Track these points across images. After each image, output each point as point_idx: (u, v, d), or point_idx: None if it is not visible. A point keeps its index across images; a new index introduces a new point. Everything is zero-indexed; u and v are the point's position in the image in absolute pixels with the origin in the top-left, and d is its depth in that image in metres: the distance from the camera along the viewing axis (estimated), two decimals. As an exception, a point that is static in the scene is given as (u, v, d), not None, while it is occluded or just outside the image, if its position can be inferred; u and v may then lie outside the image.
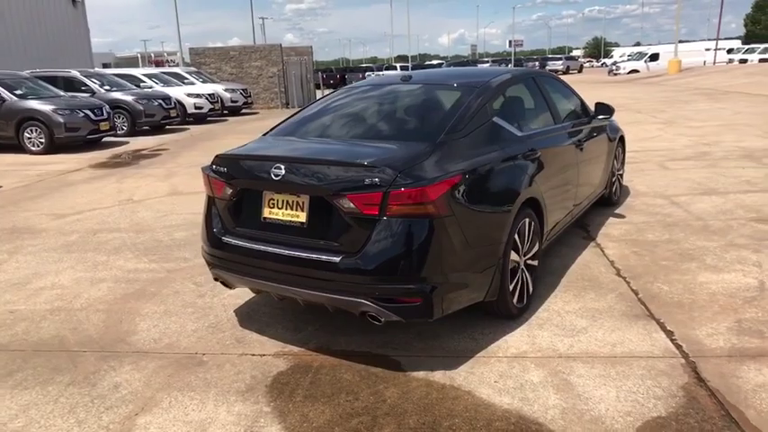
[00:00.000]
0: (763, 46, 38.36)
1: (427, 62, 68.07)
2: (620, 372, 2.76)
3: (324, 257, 2.74)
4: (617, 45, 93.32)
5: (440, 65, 50.36)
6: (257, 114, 21.08)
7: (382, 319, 2.74)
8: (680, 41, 33.04)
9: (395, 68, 47.94)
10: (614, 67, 38.95)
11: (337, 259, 2.70)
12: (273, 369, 2.96)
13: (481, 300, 3.01)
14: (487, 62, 58.92)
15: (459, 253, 2.78)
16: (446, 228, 2.69)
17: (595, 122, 4.80)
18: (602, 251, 4.43)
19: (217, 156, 3.23)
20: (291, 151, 3.20)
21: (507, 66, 47.04)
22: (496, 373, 2.81)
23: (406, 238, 2.64)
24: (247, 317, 3.59)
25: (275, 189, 2.91)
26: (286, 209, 2.89)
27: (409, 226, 2.64)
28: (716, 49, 36.51)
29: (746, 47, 41.99)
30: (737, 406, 2.46)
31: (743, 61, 35.51)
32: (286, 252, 2.83)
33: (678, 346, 2.96)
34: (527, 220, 3.32)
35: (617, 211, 5.46)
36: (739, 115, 11.87)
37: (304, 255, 2.79)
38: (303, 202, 2.83)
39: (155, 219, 6.17)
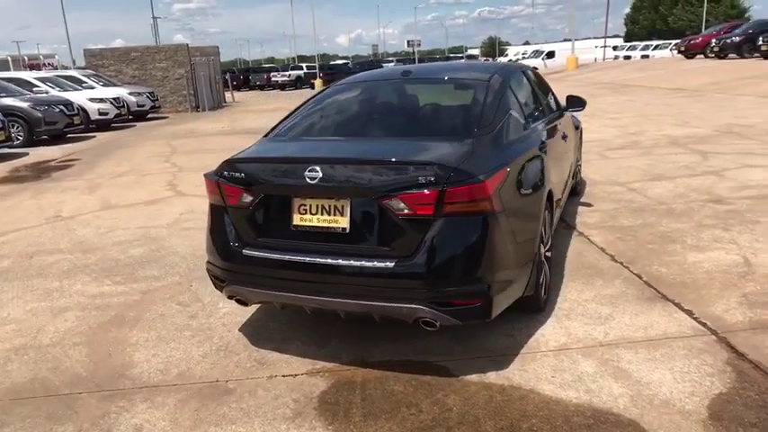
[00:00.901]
0: (643, 44, 42.20)
1: (332, 62, 67.65)
2: (664, 354, 2.81)
3: (374, 264, 2.54)
4: (508, 44, 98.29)
5: (345, 65, 50.28)
6: (167, 118, 19.85)
7: (438, 324, 2.60)
8: (566, 40, 35.43)
9: (300, 68, 47.38)
10: (513, 66, 40.77)
11: (390, 264, 2.52)
12: (314, 389, 2.71)
13: (521, 295, 2.96)
14: (391, 62, 59.65)
15: (510, 248, 2.71)
16: (499, 223, 2.60)
17: (567, 114, 4.95)
18: (588, 239, 4.55)
19: (227, 161, 2.91)
20: (324, 152, 2.95)
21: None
22: (549, 367, 2.76)
23: (463, 237, 2.52)
24: (258, 335, 3.29)
25: (309, 193, 2.66)
26: (322, 214, 2.65)
27: (466, 224, 2.52)
28: (604, 47, 39.64)
29: (629, 44, 45.97)
30: (782, 375, 2.59)
31: (627, 57, 38.82)
32: (329, 261, 2.60)
33: (703, 324, 3.08)
34: (546, 212, 3.32)
35: (582, 200, 5.66)
36: (649, 107, 12.87)
37: (349, 262, 2.58)
38: (343, 206, 2.61)
39: (99, 236, 5.55)
